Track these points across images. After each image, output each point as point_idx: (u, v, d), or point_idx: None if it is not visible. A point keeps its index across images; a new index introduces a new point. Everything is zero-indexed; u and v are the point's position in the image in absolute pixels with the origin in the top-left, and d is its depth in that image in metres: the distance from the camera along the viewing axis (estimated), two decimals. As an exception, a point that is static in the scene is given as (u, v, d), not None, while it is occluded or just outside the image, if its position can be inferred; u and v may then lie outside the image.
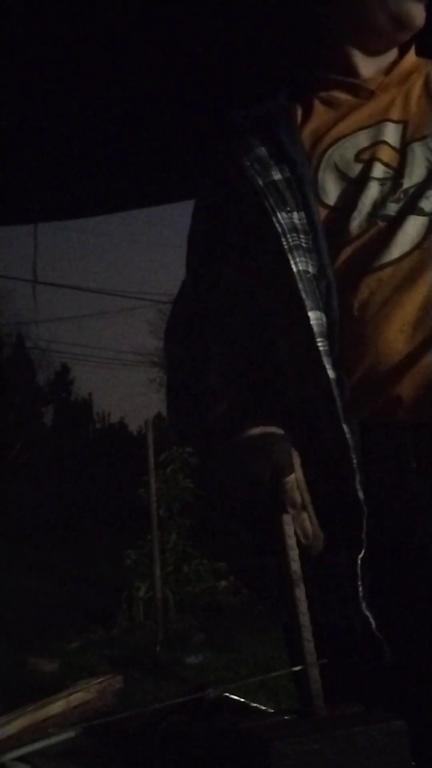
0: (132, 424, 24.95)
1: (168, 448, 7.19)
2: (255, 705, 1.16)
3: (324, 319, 1.10)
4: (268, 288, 1.16)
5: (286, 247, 1.11)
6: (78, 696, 4.00)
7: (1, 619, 6.26)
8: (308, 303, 1.10)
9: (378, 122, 1.18)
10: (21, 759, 0.99)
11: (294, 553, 1.02)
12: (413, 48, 1.25)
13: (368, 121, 1.19)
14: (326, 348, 1.09)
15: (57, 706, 3.80)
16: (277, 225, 1.12)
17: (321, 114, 1.22)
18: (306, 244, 1.12)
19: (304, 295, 1.10)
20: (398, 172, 1.14)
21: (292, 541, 1.02)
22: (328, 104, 1.23)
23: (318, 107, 1.23)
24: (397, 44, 1.24)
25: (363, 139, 1.17)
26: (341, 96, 1.23)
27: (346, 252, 1.13)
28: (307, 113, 1.23)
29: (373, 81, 1.22)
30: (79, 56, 1.78)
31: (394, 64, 1.24)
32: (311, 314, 1.09)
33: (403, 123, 1.18)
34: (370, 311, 1.10)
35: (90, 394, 26.17)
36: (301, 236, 1.12)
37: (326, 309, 1.10)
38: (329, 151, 1.17)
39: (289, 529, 1.03)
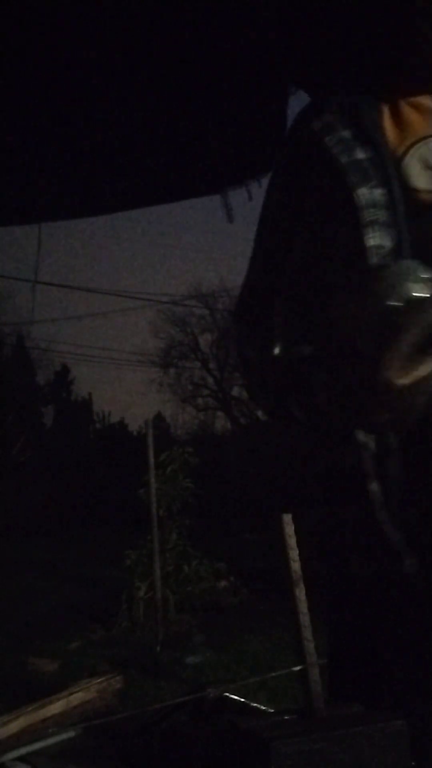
0: (132, 424, 24.94)
1: (168, 448, 7.20)
2: (255, 705, 1.16)
3: None
4: (339, 261, 1.17)
5: (362, 222, 1.13)
6: (78, 696, 4.00)
7: (1, 619, 6.27)
8: None
9: None
10: (21, 759, 0.99)
11: (294, 553, 1.02)
12: None
13: None
14: None
15: (57, 706, 3.80)
16: (356, 199, 1.14)
17: (407, 113, 1.24)
18: (384, 219, 1.14)
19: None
20: None
21: (292, 541, 1.03)
22: (415, 107, 1.24)
23: (404, 107, 1.24)
24: None
25: None
26: (426, 102, 1.24)
27: (427, 230, 1.13)
28: (393, 112, 1.24)
29: None
30: (81, 55, 1.78)
31: None
32: None
33: None
34: None
35: (90, 394, 26.19)
36: (380, 212, 1.14)
37: None
38: (417, 145, 1.19)
39: (290, 529, 1.03)
